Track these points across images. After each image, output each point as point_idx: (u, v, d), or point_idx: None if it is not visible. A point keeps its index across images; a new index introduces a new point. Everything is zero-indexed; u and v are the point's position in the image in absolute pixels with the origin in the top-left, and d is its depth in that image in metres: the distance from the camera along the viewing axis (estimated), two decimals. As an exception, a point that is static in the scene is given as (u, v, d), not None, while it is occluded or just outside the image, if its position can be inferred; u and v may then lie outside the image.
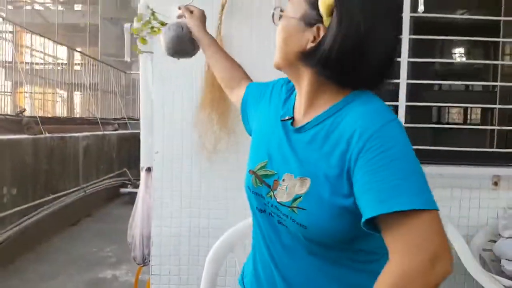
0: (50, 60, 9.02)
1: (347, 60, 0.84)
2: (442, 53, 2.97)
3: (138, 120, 9.45)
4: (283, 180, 0.93)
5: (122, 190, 7.16)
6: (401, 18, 0.93)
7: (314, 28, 0.87)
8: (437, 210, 0.74)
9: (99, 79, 9.52)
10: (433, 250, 0.71)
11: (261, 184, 0.99)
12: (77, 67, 10.53)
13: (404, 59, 2.30)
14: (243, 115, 1.26)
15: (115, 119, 9.30)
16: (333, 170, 0.84)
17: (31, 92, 7.08)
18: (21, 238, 4.38)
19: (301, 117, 0.96)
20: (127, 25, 2.52)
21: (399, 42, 0.91)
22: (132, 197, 6.84)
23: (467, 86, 3.16)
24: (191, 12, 1.43)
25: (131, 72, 10.86)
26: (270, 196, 0.95)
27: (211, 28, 1.65)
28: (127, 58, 2.49)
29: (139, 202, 2.48)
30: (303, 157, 0.91)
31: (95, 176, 6.64)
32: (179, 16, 1.46)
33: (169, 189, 2.35)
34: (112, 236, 5.00)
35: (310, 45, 0.88)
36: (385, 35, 0.85)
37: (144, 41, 2.03)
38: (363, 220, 0.77)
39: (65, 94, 9.43)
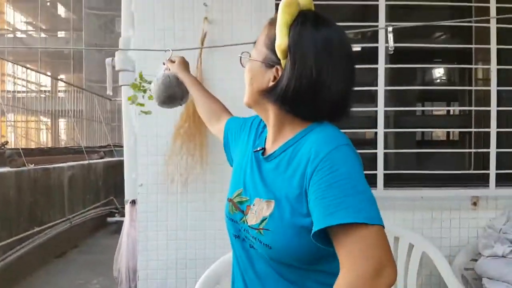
0: (33, 87, 8.93)
1: (302, 97, 0.94)
2: (420, 78, 3.05)
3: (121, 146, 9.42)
4: (253, 205, 1.01)
5: (109, 219, 7.06)
6: (353, 61, 1.01)
7: (274, 69, 0.98)
8: (381, 225, 0.81)
9: (83, 106, 9.47)
10: (377, 261, 0.77)
11: (236, 211, 1.07)
12: (61, 94, 10.47)
13: (381, 87, 2.38)
14: (225, 148, 1.36)
15: (100, 146, 9.22)
16: (294, 191, 0.92)
17: (13, 121, 6.99)
18: (5, 273, 4.28)
19: (271, 146, 1.05)
20: (108, 60, 2.56)
21: (352, 80, 1.00)
22: (120, 226, 6.64)
23: (447, 110, 3.25)
24: (173, 62, 1.63)
25: (116, 99, 10.86)
26: (244, 221, 1.03)
27: (192, 63, 1.71)
28: (109, 92, 2.51)
29: (124, 236, 2.48)
30: (269, 182, 1.00)
31: (81, 206, 6.53)
32: (166, 70, 1.63)
33: (155, 221, 2.36)
34: (99, 267, 4.90)
35: (270, 83, 0.99)
36: (336, 75, 0.94)
37: (142, 105, 2.07)
38: (312, 233, 0.84)
39: (49, 121, 9.32)
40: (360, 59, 2.58)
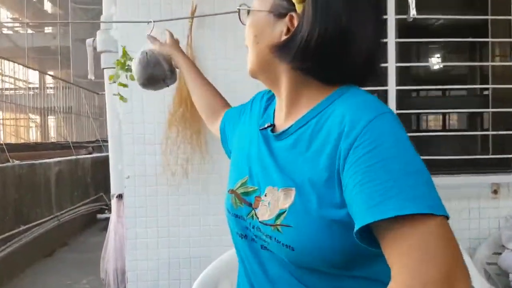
0: (21, 84, 8.74)
1: (328, 50, 0.74)
2: (428, 58, 2.83)
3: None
4: (265, 195, 0.79)
5: (99, 216, 6.87)
6: (382, 6, 0.83)
7: (286, 19, 0.78)
8: (446, 216, 0.59)
9: (71, 102, 9.25)
10: (446, 264, 0.55)
11: (241, 204, 0.85)
12: (50, 91, 10.24)
13: (391, 64, 2.15)
14: (223, 142, 1.15)
15: (89, 142, 9.01)
16: (321, 174, 0.71)
17: (1, 119, 6.80)
18: (-10, 275, 4.09)
19: (283, 122, 0.85)
20: (89, 40, 2.32)
21: (382, 30, 0.84)
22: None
23: (463, 89, 3.03)
24: (159, 40, 1.39)
25: (104, 92, 10.60)
26: (252, 217, 0.81)
27: (182, 41, 1.48)
28: (90, 76, 2.27)
29: (111, 233, 2.25)
30: (285, 165, 0.78)
31: (69, 203, 6.33)
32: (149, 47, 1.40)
33: (144, 217, 2.13)
34: (89, 266, 4.71)
35: (283, 37, 0.79)
36: (368, 22, 0.75)
37: (124, 85, 1.85)
38: (354, 231, 0.63)
39: (38, 118, 9.14)
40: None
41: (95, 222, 6.88)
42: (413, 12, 1.75)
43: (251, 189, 0.84)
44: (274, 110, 0.91)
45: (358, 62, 0.76)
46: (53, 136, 10.11)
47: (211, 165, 2.10)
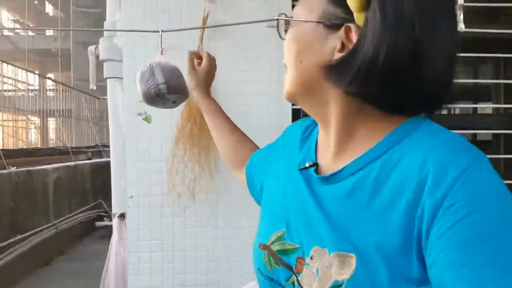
0: (21, 86, 8.64)
1: (398, 70, 0.58)
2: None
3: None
4: (311, 258, 0.62)
5: (98, 223, 6.73)
6: (455, 19, 0.65)
7: (341, 31, 0.62)
8: None
9: (71, 106, 9.13)
10: None
11: (277, 265, 0.67)
12: (50, 93, 10.12)
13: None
14: (250, 186, 0.97)
15: (88, 147, 8.88)
16: (393, 238, 0.55)
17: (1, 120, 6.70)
18: (-17, 287, 3.95)
19: (330, 161, 0.68)
20: (91, 48, 2.16)
21: (458, 47, 0.63)
22: (109, 230, 6.49)
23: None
24: (195, 65, 1.29)
25: (105, 97, 10.46)
26: (293, 283, 0.64)
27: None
28: (92, 86, 2.12)
29: (112, 256, 2.09)
30: (339, 220, 0.61)
31: (67, 210, 6.19)
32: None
33: (147, 241, 1.97)
34: (87, 276, 4.56)
35: (337, 55, 0.62)
36: (444, 36, 0.59)
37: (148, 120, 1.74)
38: None
39: (38, 120, 9.03)
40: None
41: (93, 230, 6.74)
42: (461, 25, 1.59)
43: (291, 246, 0.66)
44: (316, 144, 0.74)
45: (432, 86, 0.60)
46: (52, 139, 9.97)
47: (221, 185, 1.94)
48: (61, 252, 5.70)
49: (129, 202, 1.96)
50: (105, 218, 6.91)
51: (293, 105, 1.89)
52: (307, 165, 0.70)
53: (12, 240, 4.57)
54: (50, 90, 10.37)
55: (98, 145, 9.17)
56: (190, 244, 1.96)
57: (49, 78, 11.04)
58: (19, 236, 4.71)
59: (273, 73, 1.90)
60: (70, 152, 7.15)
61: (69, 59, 16.04)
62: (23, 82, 8.79)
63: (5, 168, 4.79)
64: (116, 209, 2.09)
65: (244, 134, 1.15)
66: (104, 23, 2.13)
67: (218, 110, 1.20)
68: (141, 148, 1.96)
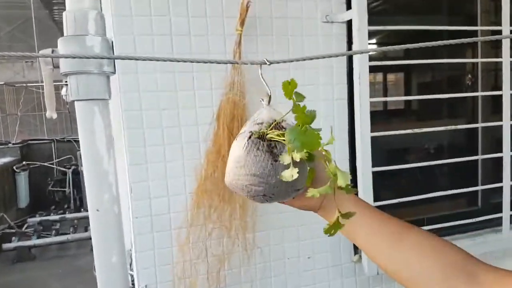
0: None
1: None
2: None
3: (6, 144, 7.64)
4: None
5: (5, 245, 5.40)
6: None
7: None
8: None
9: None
10: None
11: None
12: None
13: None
14: None
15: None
16: None
17: None
18: None
19: None
20: (45, 51, 1.39)
21: None
22: (21, 251, 5.26)
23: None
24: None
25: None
26: None
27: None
28: (51, 114, 1.36)
29: None
30: None
31: None
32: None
33: None
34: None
35: None
36: None
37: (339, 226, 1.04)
38: None
39: None
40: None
41: (-1, 254, 5.46)
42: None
43: None
44: None
45: None
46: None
47: (261, 267, 1.34)
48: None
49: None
50: (13, 237, 5.61)
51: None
52: None
53: None
54: None
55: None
56: None
57: None
58: None
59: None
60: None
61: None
62: None
63: None
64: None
65: (449, 244, 0.62)
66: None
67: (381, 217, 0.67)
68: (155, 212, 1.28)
